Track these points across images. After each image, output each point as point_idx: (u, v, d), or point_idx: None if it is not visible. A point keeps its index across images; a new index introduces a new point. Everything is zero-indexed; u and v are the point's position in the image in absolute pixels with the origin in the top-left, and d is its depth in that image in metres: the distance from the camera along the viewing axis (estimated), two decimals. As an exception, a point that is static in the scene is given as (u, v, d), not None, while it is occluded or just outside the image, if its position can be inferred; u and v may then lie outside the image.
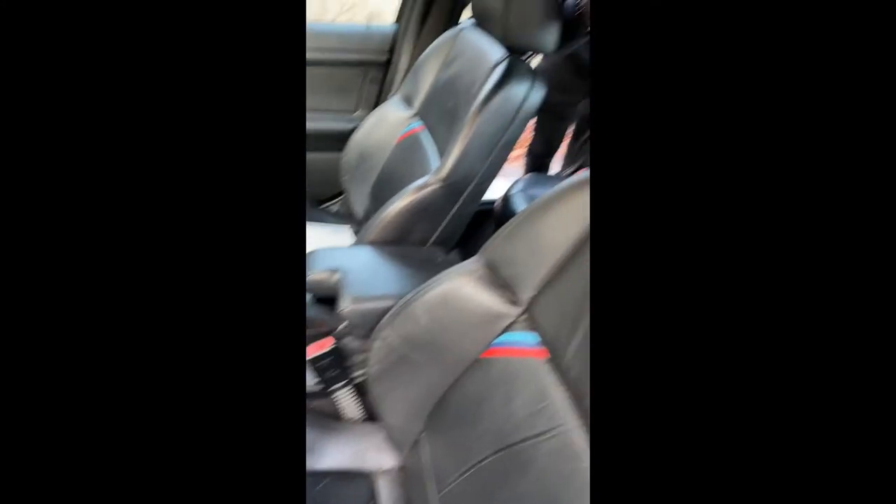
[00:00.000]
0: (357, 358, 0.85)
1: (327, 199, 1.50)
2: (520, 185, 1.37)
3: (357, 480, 0.78)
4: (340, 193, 1.47)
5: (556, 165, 2.02)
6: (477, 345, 0.68)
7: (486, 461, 0.59)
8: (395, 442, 0.81)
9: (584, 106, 1.71)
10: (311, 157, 1.37)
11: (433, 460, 0.70)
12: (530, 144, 1.94)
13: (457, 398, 0.69)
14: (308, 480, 0.73)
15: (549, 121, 1.75)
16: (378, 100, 1.44)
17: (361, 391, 0.89)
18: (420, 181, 0.91)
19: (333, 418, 0.86)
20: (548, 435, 0.54)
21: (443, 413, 0.71)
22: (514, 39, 0.93)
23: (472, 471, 0.61)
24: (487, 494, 0.57)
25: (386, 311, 0.77)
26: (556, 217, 0.65)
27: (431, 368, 0.72)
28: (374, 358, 0.76)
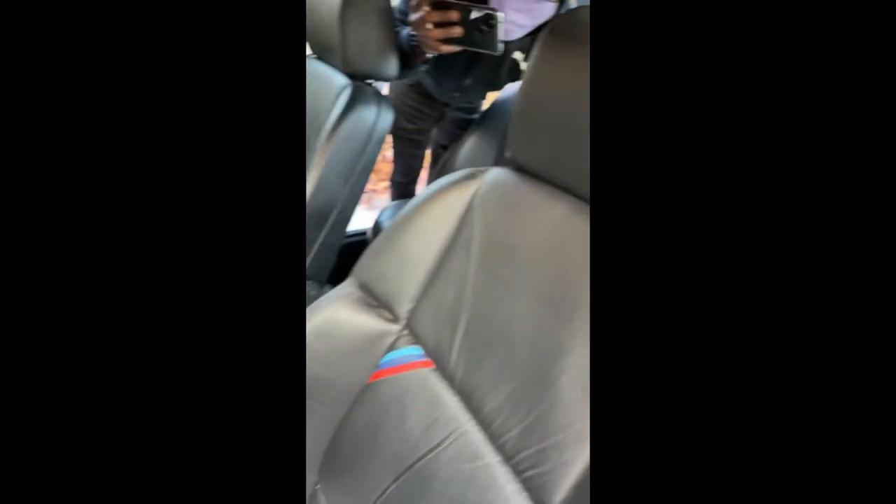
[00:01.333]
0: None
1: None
2: (388, 213, 1.38)
3: None
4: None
5: (420, 190, 2.08)
6: (363, 371, 0.65)
7: (387, 492, 0.56)
8: None
9: (436, 133, 1.80)
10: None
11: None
12: (392, 174, 1.97)
13: (349, 435, 0.64)
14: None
15: (406, 148, 1.80)
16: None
17: None
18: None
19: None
20: (446, 443, 0.53)
21: (336, 456, 0.65)
22: (355, 67, 0.95)
23: None
24: (396, 526, 0.53)
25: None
26: (418, 229, 0.65)
27: (317, 410, 0.67)
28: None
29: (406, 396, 0.59)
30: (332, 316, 0.68)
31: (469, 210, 0.60)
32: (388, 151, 1.81)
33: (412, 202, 0.67)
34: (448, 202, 0.63)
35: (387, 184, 2.04)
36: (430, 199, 0.65)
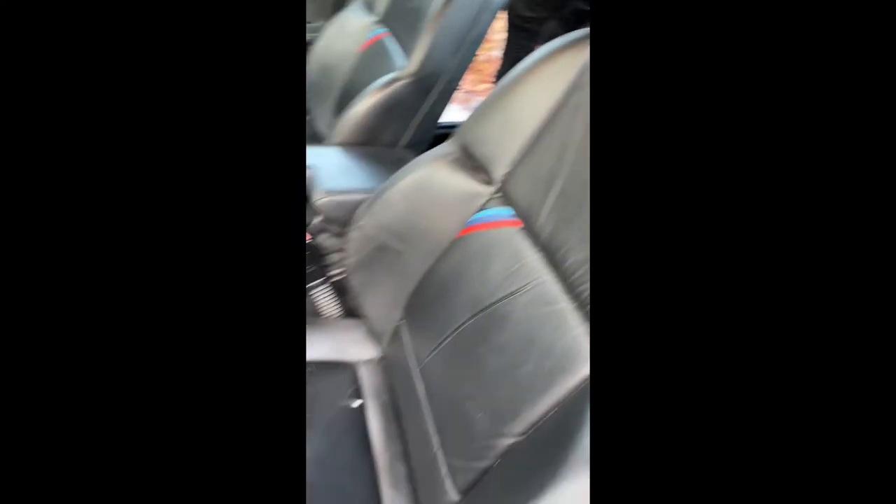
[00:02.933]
0: (333, 256, 0.85)
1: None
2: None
3: (340, 370, 0.80)
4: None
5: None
6: (454, 225, 0.70)
7: (463, 326, 0.62)
8: (374, 334, 0.84)
9: (551, 26, 1.68)
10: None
11: (413, 343, 0.73)
12: (499, 69, 1.90)
13: (434, 280, 0.71)
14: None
15: (518, 39, 1.71)
16: (335, 8, 1.36)
17: (339, 289, 0.90)
18: (386, 77, 0.89)
19: (312, 315, 0.87)
20: (523, 290, 0.57)
21: (421, 297, 0.73)
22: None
23: (449, 339, 0.64)
24: (466, 354, 0.60)
25: (360, 203, 0.77)
26: (526, 92, 0.65)
27: (409, 254, 0.74)
28: (351, 249, 0.77)
29: (491, 249, 0.63)
30: (431, 173, 0.72)
31: (583, 72, 0.58)
32: (493, 51, 1.73)
33: (522, 65, 0.66)
34: (560, 65, 0.61)
35: (487, 85, 1.98)
36: (541, 61, 0.64)
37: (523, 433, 0.50)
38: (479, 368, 0.57)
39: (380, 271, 0.76)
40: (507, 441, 0.50)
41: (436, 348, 0.66)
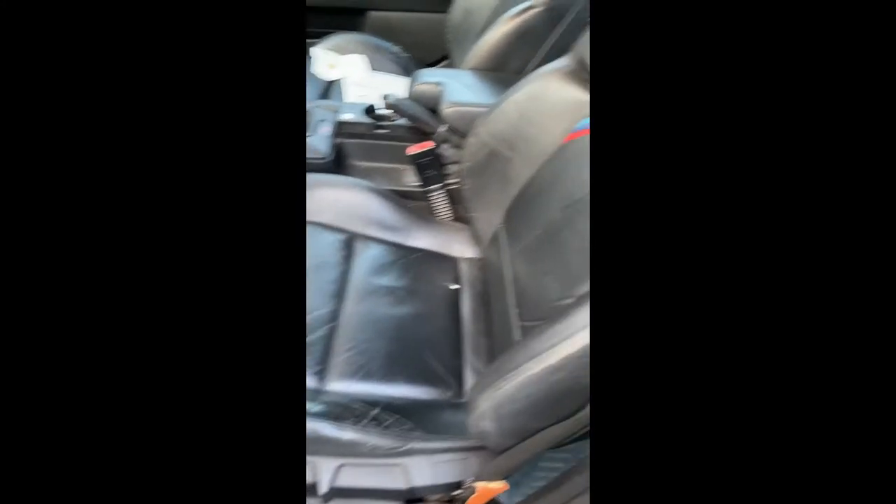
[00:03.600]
0: (452, 167, 0.97)
1: (431, 64, 1.57)
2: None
3: (445, 261, 0.93)
4: (445, 57, 1.53)
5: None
6: (560, 132, 0.76)
7: (553, 219, 0.69)
8: (477, 238, 0.94)
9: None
10: (411, 17, 1.42)
11: (508, 246, 0.82)
12: None
13: (535, 185, 0.78)
14: (400, 252, 0.88)
15: None
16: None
17: (453, 197, 1.01)
18: (522, 5, 0.95)
19: (428, 215, 1.00)
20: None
21: (521, 202, 0.81)
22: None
23: (538, 231, 0.71)
24: (550, 241, 0.67)
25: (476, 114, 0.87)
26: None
27: (516, 160, 0.82)
28: (467, 153, 0.87)
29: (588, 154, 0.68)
30: (546, 84, 0.78)
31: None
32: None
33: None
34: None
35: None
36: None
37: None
38: (560, 249, 0.64)
39: (489, 177, 0.86)
40: (571, 300, 0.57)
41: (526, 241, 0.73)
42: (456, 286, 0.88)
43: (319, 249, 0.82)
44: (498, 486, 0.56)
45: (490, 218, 0.89)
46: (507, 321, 0.71)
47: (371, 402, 0.64)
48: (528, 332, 0.66)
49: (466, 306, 0.86)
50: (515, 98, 0.80)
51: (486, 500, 0.57)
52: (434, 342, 0.77)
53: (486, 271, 0.90)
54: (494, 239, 0.89)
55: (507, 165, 0.82)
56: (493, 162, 0.84)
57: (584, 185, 0.66)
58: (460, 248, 0.96)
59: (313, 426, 0.59)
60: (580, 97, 0.73)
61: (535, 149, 0.79)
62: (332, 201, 0.87)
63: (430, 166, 0.95)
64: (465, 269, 0.92)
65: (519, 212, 0.80)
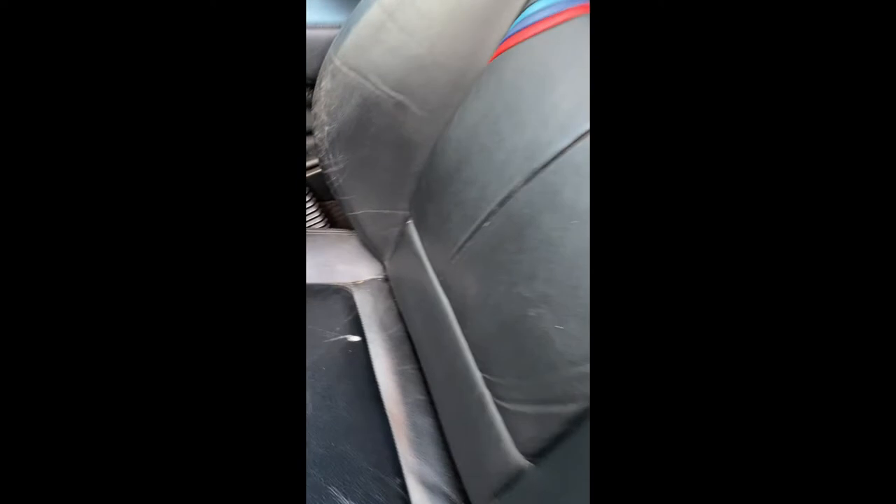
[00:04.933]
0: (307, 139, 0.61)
1: None
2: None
3: (329, 297, 0.58)
4: None
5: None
6: (483, 44, 0.44)
7: (510, 199, 0.38)
8: (371, 244, 0.60)
9: None
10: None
11: (427, 246, 0.50)
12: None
13: (455, 141, 0.46)
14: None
15: None
16: None
17: (317, 189, 0.66)
18: None
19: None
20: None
21: (435, 175, 0.48)
22: None
23: (488, 223, 0.40)
24: (521, 238, 0.36)
25: (328, 45, 0.51)
26: None
27: (411, 107, 0.48)
28: (324, 113, 0.51)
29: (551, 61, 0.38)
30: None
31: None
32: None
33: None
34: None
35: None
36: None
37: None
38: (550, 253, 0.33)
39: (372, 142, 0.51)
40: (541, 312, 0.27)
41: (466, 241, 0.42)
42: (355, 338, 0.54)
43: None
44: None
45: (386, 212, 0.55)
46: (469, 388, 0.40)
47: None
48: (522, 428, 0.35)
49: (382, 365, 0.52)
50: (383, 4, 0.45)
51: None
52: (344, 454, 0.43)
53: (400, 294, 0.57)
54: (401, 240, 0.56)
55: (398, 118, 0.49)
56: (373, 116, 0.50)
57: (553, 126, 0.36)
58: (348, 268, 0.61)
59: None
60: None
61: (443, 85, 0.46)
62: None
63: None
64: (364, 302, 0.58)
65: (437, 194, 0.48)
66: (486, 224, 0.40)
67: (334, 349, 0.52)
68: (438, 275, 0.47)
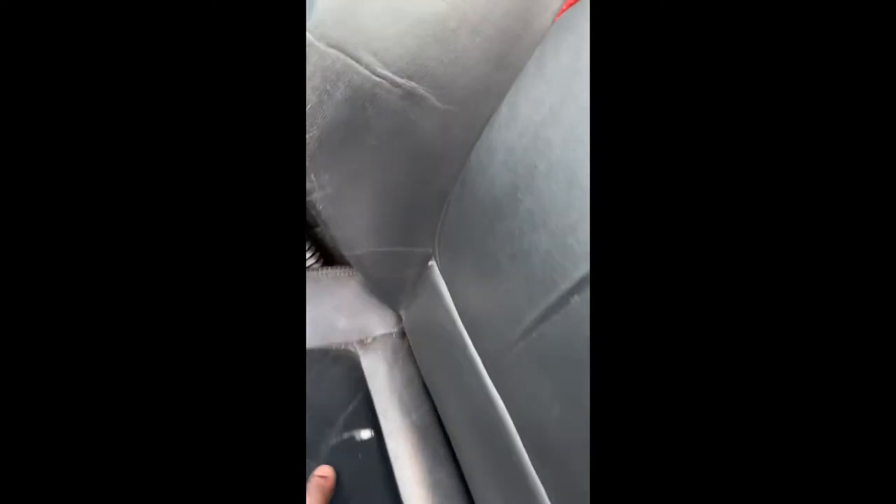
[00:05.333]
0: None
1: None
2: None
3: (327, 364, 0.42)
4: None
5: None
6: (532, 7, 0.27)
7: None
8: (380, 291, 0.44)
9: None
10: None
11: (460, 305, 0.34)
12: None
13: (502, 150, 0.30)
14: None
15: None
16: None
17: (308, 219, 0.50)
18: None
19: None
20: None
21: (470, 200, 0.32)
22: None
23: (574, 298, 0.24)
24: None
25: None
26: None
27: (431, 100, 0.32)
28: (310, 110, 0.35)
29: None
30: None
31: None
32: None
33: None
34: None
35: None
36: None
37: None
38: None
39: (372, 159, 0.35)
40: None
41: (538, 322, 0.26)
42: (366, 434, 0.39)
43: None
44: None
45: (395, 246, 0.39)
46: (503, 448, 0.25)
47: None
48: None
49: (406, 474, 0.37)
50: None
51: None
52: None
53: (426, 358, 0.42)
54: (423, 287, 0.40)
55: (408, 116, 0.32)
56: (370, 115, 0.33)
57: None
58: (352, 322, 0.46)
59: None
60: None
61: (474, 54, 0.29)
62: None
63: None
64: (376, 372, 0.42)
65: (469, 224, 0.32)
66: (575, 298, 0.23)
67: (338, 456, 0.36)
68: (487, 361, 0.31)
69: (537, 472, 0.29)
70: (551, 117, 0.26)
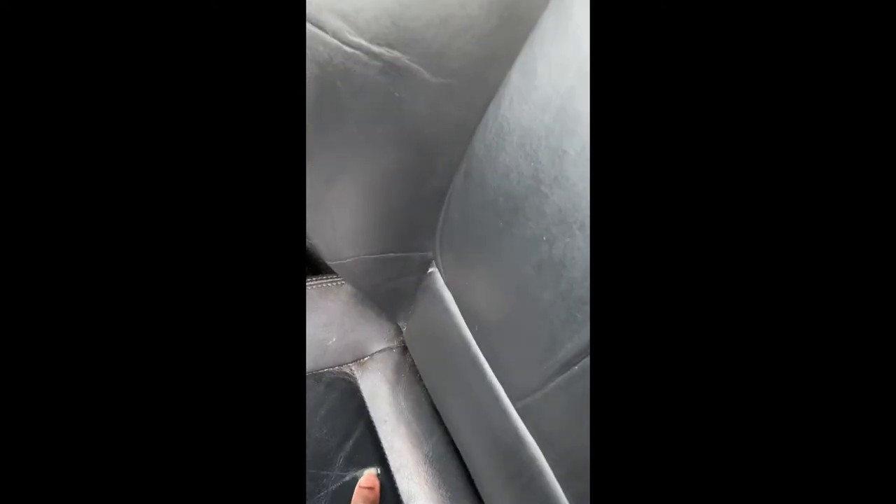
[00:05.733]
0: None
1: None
2: None
3: (320, 396, 0.37)
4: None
5: None
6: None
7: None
8: (376, 302, 0.39)
9: None
10: None
11: (472, 325, 0.28)
12: None
13: (515, 131, 0.24)
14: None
15: None
16: None
17: None
18: None
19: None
20: None
21: (476, 195, 0.26)
22: None
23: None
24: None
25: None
26: None
27: (411, 82, 0.26)
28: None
29: None
30: None
31: None
32: None
33: None
34: None
35: None
36: None
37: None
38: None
39: (351, 148, 0.29)
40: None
41: (576, 358, 0.20)
42: (372, 470, 0.34)
43: None
44: None
45: (388, 251, 0.33)
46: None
47: None
48: None
49: None
50: None
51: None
52: None
53: (433, 374, 0.36)
54: (424, 296, 0.34)
55: (392, 93, 0.26)
56: (342, 94, 0.27)
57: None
58: (345, 339, 0.40)
59: None
60: None
61: (472, 10, 0.23)
62: None
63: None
64: (374, 395, 0.37)
65: (478, 224, 0.26)
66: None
67: (340, 498, 0.31)
68: (512, 394, 0.26)
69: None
70: (581, 85, 0.20)
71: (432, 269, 0.33)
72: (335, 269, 0.35)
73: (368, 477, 0.31)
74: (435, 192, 0.29)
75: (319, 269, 0.46)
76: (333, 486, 0.32)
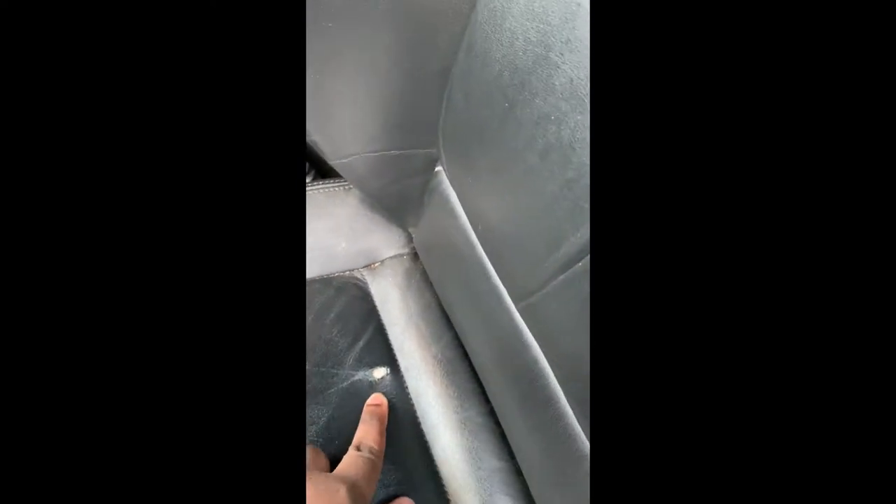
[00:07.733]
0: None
1: None
2: None
3: (329, 299, 0.37)
4: None
5: None
6: None
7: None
8: (384, 205, 0.37)
9: None
10: None
11: (476, 225, 0.26)
12: None
13: (522, 14, 0.20)
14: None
15: None
16: None
17: None
18: None
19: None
20: None
21: (476, 80, 0.23)
22: None
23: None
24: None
25: None
26: None
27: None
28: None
29: None
30: None
31: None
32: None
33: None
34: None
35: None
36: None
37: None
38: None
39: (342, 30, 0.25)
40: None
41: (575, 258, 0.18)
42: (382, 372, 0.34)
43: None
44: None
45: (389, 149, 0.31)
46: (559, 431, 0.20)
47: None
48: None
49: (434, 421, 0.32)
50: None
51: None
52: None
53: (443, 280, 0.35)
54: (432, 199, 0.32)
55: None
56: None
57: None
58: (355, 244, 0.39)
59: None
60: None
61: None
62: None
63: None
64: (385, 299, 0.37)
65: (480, 118, 0.23)
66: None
67: (350, 401, 0.32)
68: (514, 294, 0.24)
69: (577, 420, 0.23)
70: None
71: (438, 168, 0.31)
72: (339, 170, 0.34)
73: (375, 396, 0.32)
74: (439, 74, 0.26)
75: (326, 172, 0.44)
76: (343, 384, 0.32)
